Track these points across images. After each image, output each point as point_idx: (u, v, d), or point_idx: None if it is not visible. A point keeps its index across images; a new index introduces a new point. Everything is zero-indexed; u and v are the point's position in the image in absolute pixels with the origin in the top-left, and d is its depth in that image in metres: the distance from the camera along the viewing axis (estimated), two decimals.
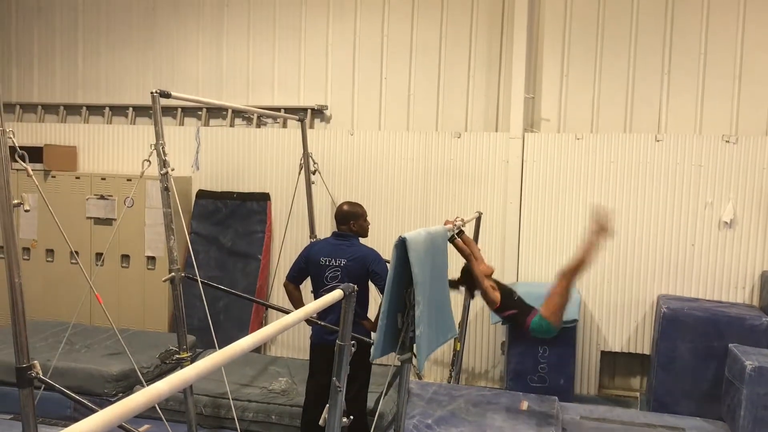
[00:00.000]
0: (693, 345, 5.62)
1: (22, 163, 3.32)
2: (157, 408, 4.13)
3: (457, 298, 6.20)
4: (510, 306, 4.43)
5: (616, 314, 6.51)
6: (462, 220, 4.44)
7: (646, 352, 6.46)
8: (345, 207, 4.74)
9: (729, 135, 6.22)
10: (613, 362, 6.69)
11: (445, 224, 4.15)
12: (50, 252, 7.43)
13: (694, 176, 6.28)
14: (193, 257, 4.87)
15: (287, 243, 6.81)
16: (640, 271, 6.42)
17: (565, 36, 6.69)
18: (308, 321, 4.48)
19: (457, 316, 6.04)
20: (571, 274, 4.28)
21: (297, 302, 4.74)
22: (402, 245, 3.08)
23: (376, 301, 4.66)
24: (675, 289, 6.35)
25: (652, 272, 6.40)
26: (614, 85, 6.58)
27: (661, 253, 6.37)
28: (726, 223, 6.20)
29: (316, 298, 4.34)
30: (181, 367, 4.28)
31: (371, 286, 4.61)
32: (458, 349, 5.95)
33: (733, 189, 6.19)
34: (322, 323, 4.47)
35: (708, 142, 6.24)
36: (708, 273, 6.30)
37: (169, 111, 7.60)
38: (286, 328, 2.12)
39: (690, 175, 6.28)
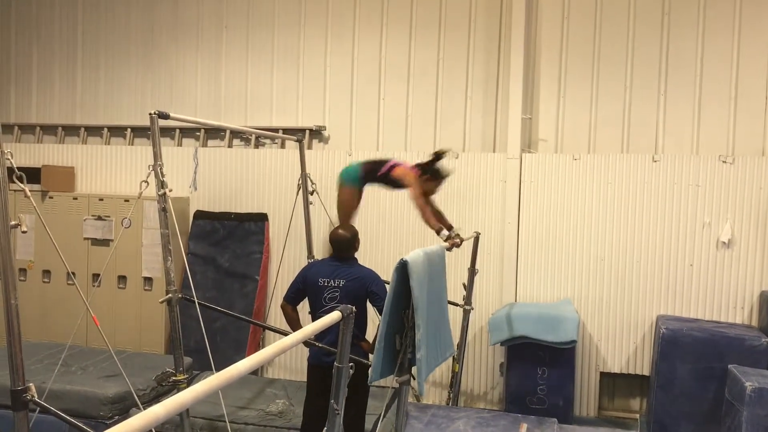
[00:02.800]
0: (692, 366, 5.59)
1: (20, 183, 3.32)
2: None
3: (455, 318, 6.18)
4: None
5: (615, 335, 6.48)
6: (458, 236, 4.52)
7: (646, 373, 6.42)
8: (341, 232, 4.67)
9: (726, 155, 6.24)
10: (613, 383, 6.65)
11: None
12: (47, 273, 7.40)
13: (691, 196, 6.29)
14: (190, 278, 4.84)
15: (285, 264, 6.79)
16: (639, 292, 6.41)
17: (561, 57, 6.73)
18: (306, 343, 4.46)
19: (456, 337, 6.02)
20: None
21: (294, 323, 4.72)
22: (403, 268, 3.07)
23: (374, 322, 4.64)
24: (674, 310, 6.34)
25: (650, 293, 6.39)
26: (611, 106, 6.62)
27: (660, 274, 6.36)
28: (724, 243, 6.20)
29: (314, 319, 4.32)
30: (178, 390, 4.26)
31: (369, 308, 4.59)
32: (457, 370, 5.92)
33: (731, 209, 6.20)
34: (320, 345, 4.45)
35: (705, 163, 6.26)
36: (707, 293, 6.28)
37: (167, 132, 7.62)
38: (284, 350, 2.11)
39: (687, 195, 6.30)
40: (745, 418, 4.77)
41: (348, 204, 5.15)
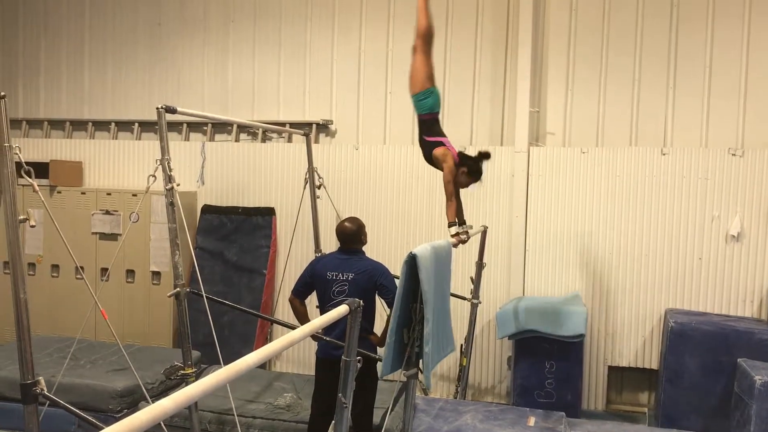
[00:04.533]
0: (701, 360, 5.57)
1: (28, 178, 3.33)
2: (162, 425, 4.11)
3: (462, 312, 6.18)
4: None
5: (623, 329, 6.46)
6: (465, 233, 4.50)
7: (654, 366, 6.41)
8: (348, 225, 4.66)
9: (735, 148, 6.21)
10: (621, 377, 6.63)
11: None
12: (55, 267, 7.43)
13: (700, 189, 6.26)
14: (198, 272, 4.85)
15: (292, 258, 6.80)
16: (648, 285, 6.39)
17: (569, 50, 6.70)
18: (314, 336, 4.46)
19: (463, 331, 6.03)
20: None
21: (302, 317, 4.72)
22: (412, 261, 3.07)
23: (381, 316, 4.64)
24: (682, 303, 6.31)
25: (659, 286, 6.37)
26: (619, 99, 6.58)
27: (668, 267, 6.34)
28: (733, 236, 6.17)
29: (322, 313, 4.33)
30: (186, 383, 4.27)
31: (378, 301, 4.59)
32: (464, 364, 5.92)
33: (740, 202, 6.17)
34: (328, 338, 4.45)
35: (714, 156, 6.22)
36: (716, 287, 6.26)
37: (174, 126, 7.63)
38: (292, 343, 2.11)
39: (696, 188, 6.26)
40: (754, 411, 4.75)
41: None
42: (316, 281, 4.63)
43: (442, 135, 4.78)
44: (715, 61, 6.36)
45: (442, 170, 4.64)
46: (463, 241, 4.57)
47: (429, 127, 4.79)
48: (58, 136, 8.17)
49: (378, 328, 4.67)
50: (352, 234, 4.63)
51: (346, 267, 4.54)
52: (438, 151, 4.68)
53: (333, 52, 7.34)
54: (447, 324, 3.71)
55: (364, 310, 2.78)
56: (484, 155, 4.70)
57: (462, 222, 4.79)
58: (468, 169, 4.66)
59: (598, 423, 5.27)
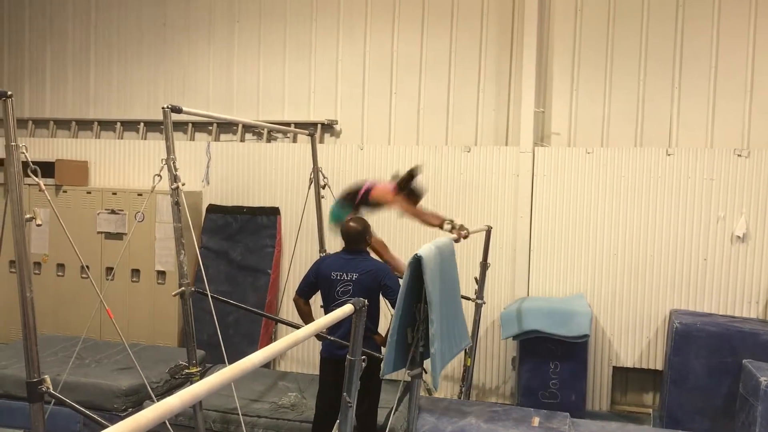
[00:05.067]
0: (706, 361, 5.56)
1: (35, 177, 3.35)
2: (167, 424, 4.12)
3: (467, 313, 6.17)
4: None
5: (628, 329, 6.45)
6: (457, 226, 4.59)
7: (659, 367, 6.39)
8: (353, 225, 4.66)
9: (741, 148, 6.19)
10: (625, 378, 6.62)
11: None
12: (61, 266, 7.46)
13: (705, 190, 6.24)
14: (203, 272, 4.87)
15: (297, 258, 6.81)
16: (652, 286, 6.38)
17: (574, 50, 6.69)
18: (318, 336, 4.47)
19: (468, 332, 6.01)
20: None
21: (306, 317, 4.73)
22: (416, 263, 3.06)
23: (386, 316, 4.65)
24: (687, 304, 6.30)
25: (664, 287, 6.36)
26: (625, 99, 6.57)
27: (673, 268, 6.33)
28: (739, 237, 6.16)
29: (326, 312, 4.33)
30: (191, 382, 4.28)
31: (382, 301, 4.60)
32: (469, 364, 5.91)
33: (746, 203, 6.15)
34: (332, 338, 4.46)
35: (720, 156, 6.21)
36: (721, 287, 6.24)
37: (180, 126, 7.65)
38: (297, 343, 2.11)
39: (702, 188, 6.25)
40: (759, 413, 4.73)
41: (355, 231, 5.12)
42: (320, 281, 4.64)
43: (359, 187, 5.00)
44: (720, 62, 6.34)
45: (390, 207, 4.84)
46: (465, 236, 4.57)
47: (352, 200, 5.02)
48: (64, 136, 8.20)
49: (382, 329, 4.67)
50: (357, 234, 4.63)
51: (351, 267, 4.54)
52: (375, 194, 4.88)
53: (338, 53, 7.35)
54: (459, 320, 3.70)
55: (369, 310, 2.78)
56: (412, 173, 4.83)
57: (450, 221, 4.82)
58: (406, 192, 4.82)
59: (602, 424, 5.26)
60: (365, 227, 4.67)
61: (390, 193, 4.84)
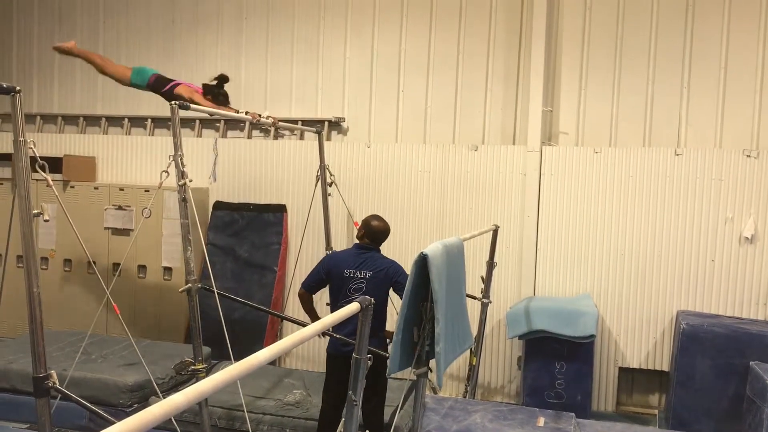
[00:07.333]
0: (713, 362, 5.53)
1: (42, 173, 3.35)
2: (173, 420, 4.13)
3: (473, 312, 6.16)
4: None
5: (634, 330, 6.43)
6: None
7: (665, 368, 6.37)
8: (385, 225, 4.75)
9: (750, 149, 6.16)
10: (631, 379, 6.60)
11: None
12: (68, 262, 7.48)
13: (714, 191, 6.21)
14: (209, 268, 4.87)
15: (303, 255, 6.81)
16: (659, 287, 6.35)
17: (583, 49, 6.66)
18: (324, 333, 4.47)
19: (474, 331, 5.99)
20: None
21: (310, 311, 4.76)
22: (422, 261, 3.05)
23: (392, 315, 4.65)
24: (694, 305, 6.27)
25: (671, 288, 6.33)
26: (633, 99, 6.54)
27: (681, 269, 6.30)
28: (747, 238, 6.12)
29: (333, 309, 4.33)
30: (197, 379, 4.29)
31: (391, 298, 4.61)
32: (474, 363, 5.90)
33: (754, 204, 6.12)
34: (338, 336, 4.46)
35: (728, 156, 6.18)
36: (728, 289, 6.21)
37: (187, 122, 7.65)
38: (303, 340, 2.11)
39: (710, 189, 6.22)
40: (766, 415, 4.71)
41: (118, 76, 5.67)
42: (332, 278, 4.64)
43: (171, 80, 5.48)
44: (730, 62, 6.30)
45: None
46: (272, 123, 5.65)
47: (160, 86, 5.47)
48: (72, 131, 8.22)
49: (391, 326, 4.68)
50: (387, 233, 4.74)
51: (364, 265, 4.56)
52: (179, 90, 5.31)
53: (345, 50, 7.34)
54: (464, 320, 3.69)
55: (378, 308, 2.78)
56: (221, 79, 5.51)
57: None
58: (212, 96, 5.44)
59: (608, 424, 5.25)
60: (388, 225, 4.77)
61: (196, 93, 5.37)
